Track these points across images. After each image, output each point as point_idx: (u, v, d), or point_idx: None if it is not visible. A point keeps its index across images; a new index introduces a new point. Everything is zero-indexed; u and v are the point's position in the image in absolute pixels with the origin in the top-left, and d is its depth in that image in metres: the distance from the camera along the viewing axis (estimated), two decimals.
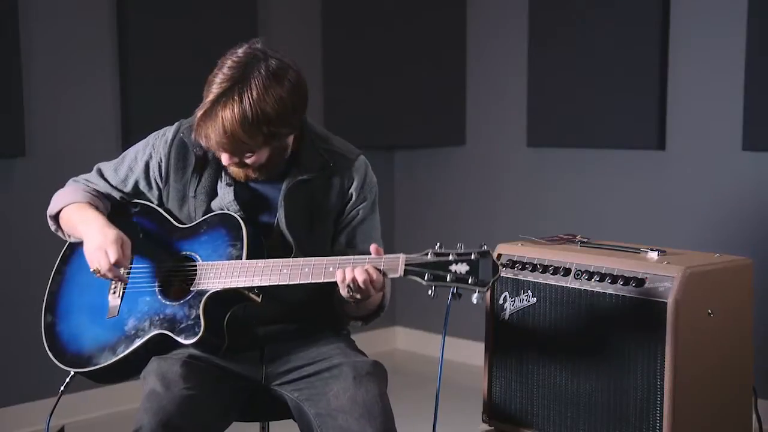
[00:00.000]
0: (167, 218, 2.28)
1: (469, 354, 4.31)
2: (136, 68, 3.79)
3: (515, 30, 4.33)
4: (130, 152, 2.34)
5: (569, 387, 2.45)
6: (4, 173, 3.58)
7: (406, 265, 2.00)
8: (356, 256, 2.07)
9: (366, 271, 2.01)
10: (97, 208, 2.29)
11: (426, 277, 1.99)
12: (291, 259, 2.11)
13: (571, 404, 2.45)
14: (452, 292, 2.00)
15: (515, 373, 2.56)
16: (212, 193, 2.25)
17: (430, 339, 4.66)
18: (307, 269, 2.08)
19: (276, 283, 2.10)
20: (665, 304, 2.25)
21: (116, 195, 2.35)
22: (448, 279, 1.98)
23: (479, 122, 4.56)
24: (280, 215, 2.23)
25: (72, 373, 2.26)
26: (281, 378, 2.23)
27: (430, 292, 2.00)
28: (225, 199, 2.24)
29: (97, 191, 2.34)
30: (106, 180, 2.34)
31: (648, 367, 2.29)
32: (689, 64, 3.80)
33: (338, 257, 2.08)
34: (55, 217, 2.34)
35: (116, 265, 2.16)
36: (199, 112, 2.08)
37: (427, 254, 2.00)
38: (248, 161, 2.14)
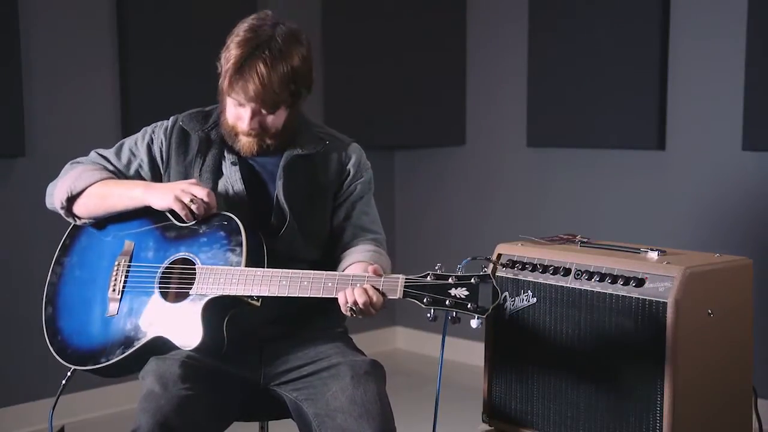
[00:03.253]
0: (167, 216, 2.28)
1: (469, 354, 4.31)
2: (136, 68, 3.79)
3: (515, 30, 4.33)
4: (128, 141, 2.39)
5: (569, 387, 2.45)
6: (4, 173, 3.58)
7: (405, 287, 2.00)
8: (355, 274, 2.07)
9: (365, 291, 2.01)
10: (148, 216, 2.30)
11: (425, 301, 1.98)
12: (290, 270, 2.10)
13: (571, 404, 2.44)
14: (450, 317, 1.99)
15: (515, 373, 2.56)
16: (217, 173, 2.29)
17: (430, 339, 4.66)
18: (306, 282, 2.08)
19: (274, 294, 2.10)
20: (665, 304, 2.24)
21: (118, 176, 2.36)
22: (447, 303, 1.97)
23: (479, 122, 4.56)
24: (279, 187, 2.26)
25: (72, 369, 2.27)
26: (280, 378, 2.24)
27: (428, 314, 2.00)
28: (231, 178, 2.28)
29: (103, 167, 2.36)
30: (109, 161, 2.36)
31: (648, 367, 2.29)
32: (689, 64, 3.80)
33: (337, 273, 2.09)
34: (73, 199, 2.31)
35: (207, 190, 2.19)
36: (228, 74, 2.16)
37: (426, 276, 2.00)
38: (269, 122, 2.21)
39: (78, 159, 2.41)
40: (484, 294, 1.96)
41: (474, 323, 1.97)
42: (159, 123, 2.39)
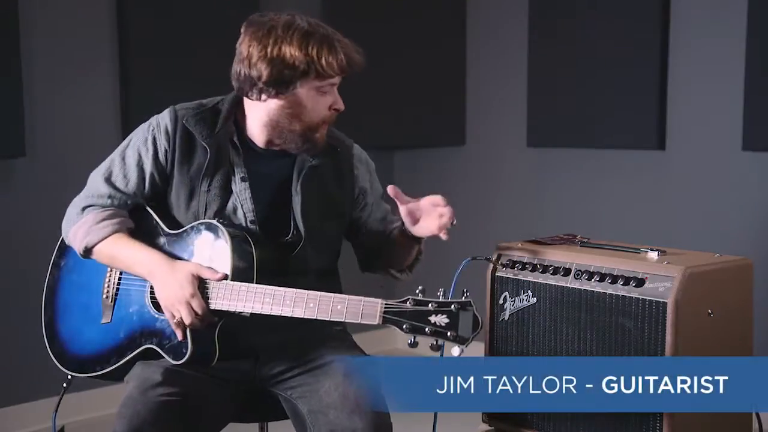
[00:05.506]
0: (158, 223, 2.23)
1: (469, 354, 4.30)
2: (136, 68, 3.79)
3: (515, 30, 4.32)
4: (130, 153, 2.23)
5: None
6: (4, 173, 3.58)
7: (384, 313, 1.98)
8: (339, 295, 2.03)
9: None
10: (137, 236, 2.19)
11: (404, 327, 1.98)
12: (293, 290, 2.06)
13: None
14: (431, 344, 1.97)
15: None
16: (227, 190, 2.20)
17: (429, 339, 4.65)
18: (312, 304, 2.03)
19: (268, 313, 2.06)
20: (665, 304, 2.24)
21: (131, 201, 2.23)
22: (426, 331, 1.96)
23: (479, 122, 4.56)
24: (297, 202, 2.21)
25: (71, 375, 2.28)
26: (275, 378, 2.23)
27: (408, 340, 1.98)
28: (241, 196, 2.20)
29: (114, 209, 2.22)
30: (118, 190, 2.22)
31: None
32: (689, 64, 3.79)
33: (333, 294, 2.05)
34: (89, 251, 2.21)
35: (200, 314, 2.09)
36: (317, 57, 2.11)
37: (406, 301, 1.98)
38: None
39: (88, 199, 2.23)
40: (465, 323, 1.93)
41: (455, 351, 1.95)
42: (154, 123, 2.24)
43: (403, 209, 2.16)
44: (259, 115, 2.19)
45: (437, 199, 2.12)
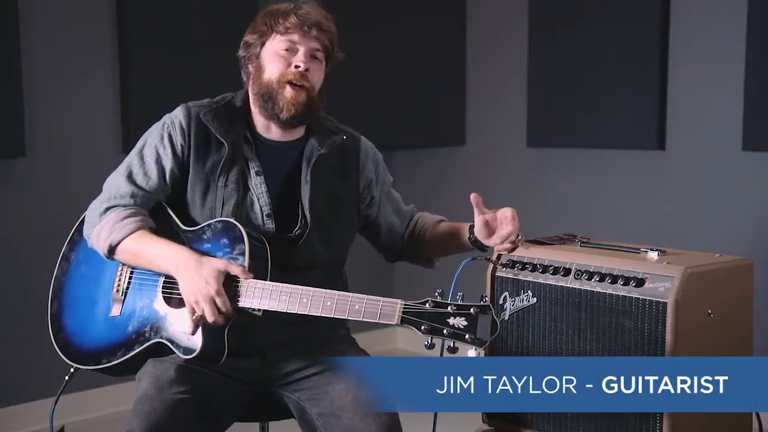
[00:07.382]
0: (173, 219, 2.24)
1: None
2: (136, 68, 3.79)
3: (515, 30, 4.33)
4: (148, 151, 2.24)
5: None
6: (4, 173, 3.58)
7: (403, 313, 1.98)
8: (357, 295, 2.04)
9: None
10: (158, 234, 2.18)
11: (423, 328, 1.96)
12: (310, 288, 2.06)
13: None
14: (448, 346, 1.97)
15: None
16: (244, 187, 2.22)
17: (447, 340, 4.65)
18: (329, 302, 2.04)
19: (284, 310, 2.06)
20: (665, 304, 2.24)
21: (152, 200, 2.24)
22: (445, 332, 1.95)
23: (479, 122, 4.56)
24: (306, 192, 2.24)
25: (74, 367, 2.27)
26: (282, 380, 2.23)
27: (426, 342, 1.98)
28: (257, 190, 2.23)
29: (136, 208, 2.21)
30: (140, 188, 2.23)
31: None
32: (689, 64, 3.80)
33: (350, 294, 2.05)
34: (113, 250, 2.20)
35: (223, 311, 2.08)
36: (276, 18, 2.21)
37: (425, 303, 1.98)
38: (313, 73, 2.23)
39: (109, 201, 2.22)
40: (483, 326, 1.94)
41: (471, 353, 1.95)
42: (168, 120, 2.26)
43: (480, 219, 2.28)
44: (253, 100, 2.28)
45: (509, 213, 2.30)
